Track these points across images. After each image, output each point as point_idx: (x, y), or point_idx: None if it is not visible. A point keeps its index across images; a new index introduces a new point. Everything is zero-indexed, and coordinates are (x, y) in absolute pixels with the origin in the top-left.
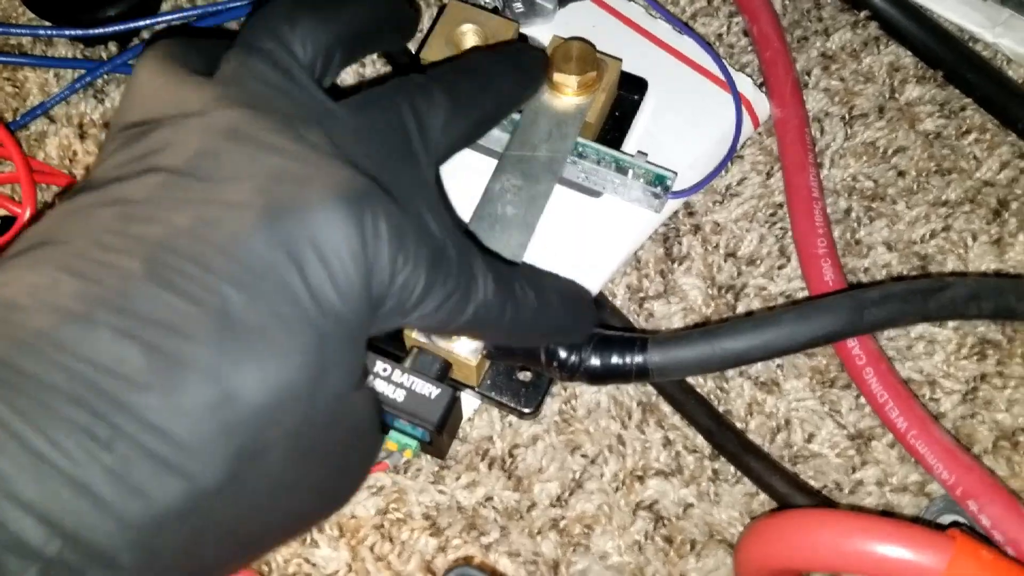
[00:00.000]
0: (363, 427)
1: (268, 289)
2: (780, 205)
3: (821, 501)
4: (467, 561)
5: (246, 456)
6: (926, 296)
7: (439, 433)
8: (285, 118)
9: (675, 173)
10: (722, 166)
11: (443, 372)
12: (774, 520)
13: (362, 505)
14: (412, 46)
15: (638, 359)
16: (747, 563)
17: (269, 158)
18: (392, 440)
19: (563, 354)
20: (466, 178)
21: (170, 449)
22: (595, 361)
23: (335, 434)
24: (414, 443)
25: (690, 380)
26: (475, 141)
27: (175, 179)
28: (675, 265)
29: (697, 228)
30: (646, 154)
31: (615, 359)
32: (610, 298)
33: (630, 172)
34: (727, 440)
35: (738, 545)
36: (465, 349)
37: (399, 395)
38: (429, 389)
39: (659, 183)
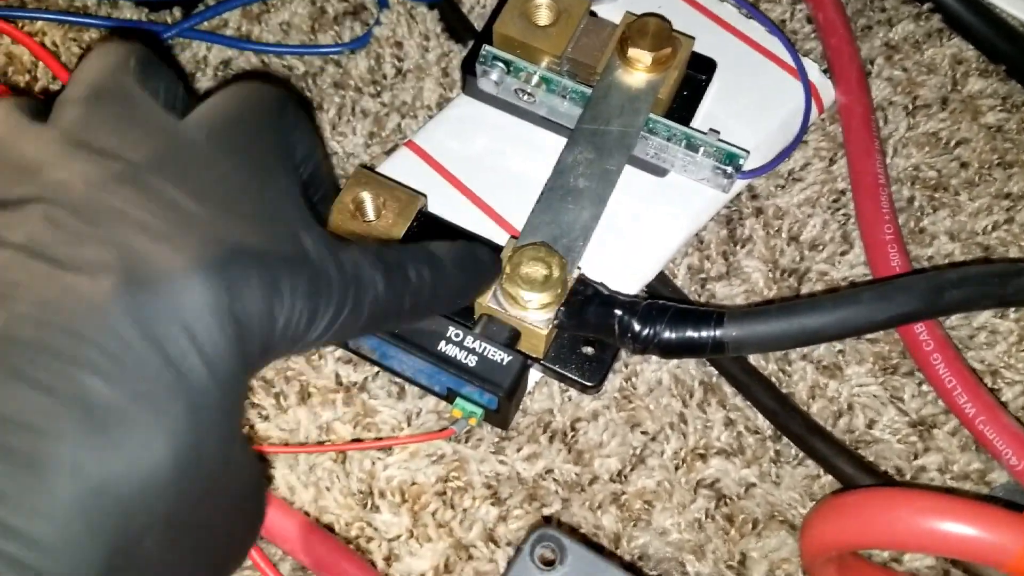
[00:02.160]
0: (246, 492)
1: (128, 370)
2: (843, 192)
3: (887, 484)
4: (545, 523)
5: (120, 551)
6: (1004, 280)
7: (508, 399)
8: (133, 169)
9: (747, 152)
10: (791, 149)
11: (512, 340)
12: (849, 497)
13: (422, 472)
14: (478, 23)
15: (715, 333)
16: (816, 540)
17: (118, 225)
18: (457, 408)
19: (637, 327)
20: (533, 155)
21: (37, 556)
22: (669, 334)
23: (215, 506)
24: (479, 411)
25: (752, 361)
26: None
27: (20, 257)
28: (738, 248)
29: (760, 211)
30: (718, 132)
31: (690, 332)
32: (671, 278)
33: (701, 149)
34: (791, 421)
35: (808, 522)
36: (536, 317)
37: (470, 360)
38: (500, 355)
39: (730, 161)
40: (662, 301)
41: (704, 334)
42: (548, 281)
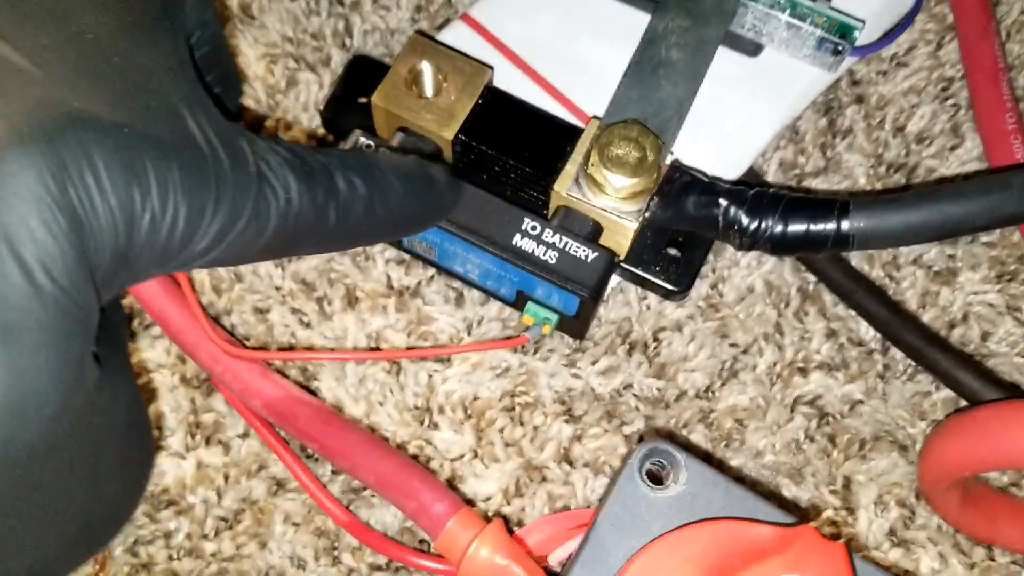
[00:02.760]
0: (117, 438)
1: None
2: (952, 80)
3: (1018, 398)
4: (650, 436)
5: None
6: None
7: (594, 302)
8: None
9: (863, 22)
10: (906, 25)
11: (595, 235)
12: (980, 412)
13: (486, 386)
14: None
15: (840, 224)
16: (942, 461)
17: None
18: (528, 314)
19: (745, 219)
20: (606, 29)
21: None
22: (784, 227)
23: (72, 459)
24: (554, 317)
25: (855, 266)
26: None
27: None
28: (837, 140)
29: (861, 99)
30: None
31: (809, 224)
32: (761, 175)
33: (809, 19)
34: (905, 331)
35: (930, 442)
36: (626, 207)
37: (550, 256)
38: (584, 251)
39: (842, 34)
40: (772, 189)
41: (827, 226)
42: (642, 165)
